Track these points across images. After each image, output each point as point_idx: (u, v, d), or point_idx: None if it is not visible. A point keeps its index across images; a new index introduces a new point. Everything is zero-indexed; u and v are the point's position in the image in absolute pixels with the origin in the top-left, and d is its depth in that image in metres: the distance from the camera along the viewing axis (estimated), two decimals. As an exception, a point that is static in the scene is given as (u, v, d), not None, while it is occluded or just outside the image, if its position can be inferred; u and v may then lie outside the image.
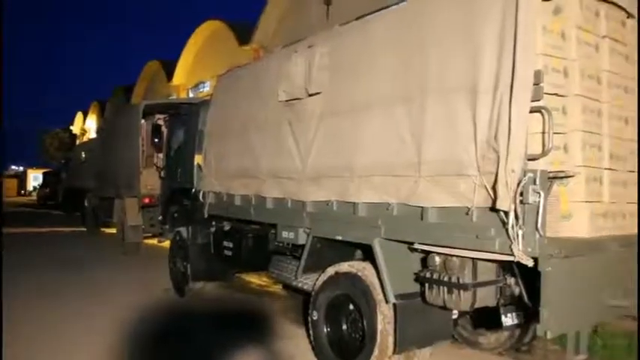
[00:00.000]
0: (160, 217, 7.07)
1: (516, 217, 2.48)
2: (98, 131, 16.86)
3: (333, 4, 10.00)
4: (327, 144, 3.65)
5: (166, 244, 6.45)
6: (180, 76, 20.70)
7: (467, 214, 2.73)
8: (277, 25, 12.84)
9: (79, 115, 37.08)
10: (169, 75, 21.22)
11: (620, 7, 3.21)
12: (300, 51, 3.93)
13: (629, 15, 3.29)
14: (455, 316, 3.30)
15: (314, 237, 3.73)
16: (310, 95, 3.81)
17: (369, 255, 3.33)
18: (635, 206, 3.34)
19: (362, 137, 3.32)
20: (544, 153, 2.56)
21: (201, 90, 18.50)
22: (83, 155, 14.11)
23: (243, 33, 14.94)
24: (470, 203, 2.71)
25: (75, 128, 37.35)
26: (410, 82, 3.07)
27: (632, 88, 3.33)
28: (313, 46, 3.83)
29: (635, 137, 3.27)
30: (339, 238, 3.52)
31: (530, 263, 2.50)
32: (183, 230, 5.70)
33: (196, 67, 19.75)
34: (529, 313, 3.03)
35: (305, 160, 3.81)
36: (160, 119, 7.89)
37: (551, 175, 2.67)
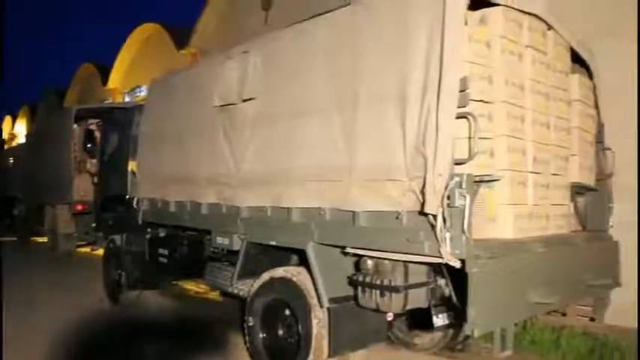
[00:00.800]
0: (94, 225, 6.82)
1: (444, 220, 2.54)
2: (27, 136, 16.13)
3: (272, 9, 9.98)
4: (261, 150, 3.63)
5: (100, 252, 6.24)
6: (115, 80, 20.07)
7: (397, 218, 2.78)
8: (216, 29, 12.68)
9: (8, 120, 35.37)
10: (104, 79, 20.54)
11: (541, 19, 3.36)
12: (235, 56, 3.90)
13: (550, 27, 3.46)
14: (390, 318, 3.34)
15: (248, 243, 3.70)
16: (244, 101, 3.77)
17: (303, 260, 3.33)
18: (559, 208, 3.51)
19: (296, 143, 3.32)
20: (470, 157, 2.63)
21: (137, 94, 18.00)
22: (11, 161, 13.46)
23: (181, 37, 14.65)
24: (400, 207, 2.76)
25: (3, 133, 35.56)
26: (343, 88, 3.10)
27: (553, 95, 3.51)
28: (248, 52, 3.80)
29: (554, 142, 3.45)
30: (274, 243, 3.50)
31: (457, 265, 2.56)
32: (117, 238, 5.53)
33: (133, 71, 19.21)
34: (458, 313, 3.11)
35: (239, 165, 3.77)
36: (93, 124, 7.63)
37: (477, 178, 2.75)
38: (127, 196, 5.37)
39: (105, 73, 20.59)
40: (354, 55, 3.05)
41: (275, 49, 3.61)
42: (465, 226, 2.52)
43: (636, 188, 3.41)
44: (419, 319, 3.60)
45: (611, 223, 4.11)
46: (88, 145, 7.08)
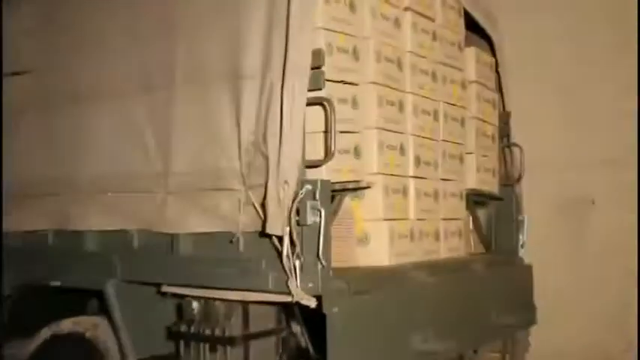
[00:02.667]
0: None
1: (292, 243, 2.63)
2: None
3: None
4: (39, 147, 3.55)
5: None
6: None
7: (231, 242, 2.85)
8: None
9: None
10: None
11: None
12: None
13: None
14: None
15: (15, 287, 3.58)
16: (16, 74, 3.67)
17: (104, 306, 3.31)
18: (451, 223, 3.81)
19: (85, 139, 3.29)
20: (327, 158, 2.75)
21: None
22: None
23: None
24: (235, 227, 2.84)
25: None
26: (151, 60, 3.14)
27: (442, 74, 3.78)
28: (20, 3, 3.72)
29: (443, 136, 3.74)
30: (58, 284, 3.43)
31: (311, 304, 2.65)
32: None
33: None
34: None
35: (17, 171, 3.66)
36: None
37: (337, 186, 2.91)
38: None
39: None
40: (166, 12, 3.11)
41: (56, 2, 3.55)
42: (321, 252, 2.62)
43: (453, 200, 3.82)
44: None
45: (522, 241, 4.54)
46: None
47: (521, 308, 4.23)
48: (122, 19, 3.28)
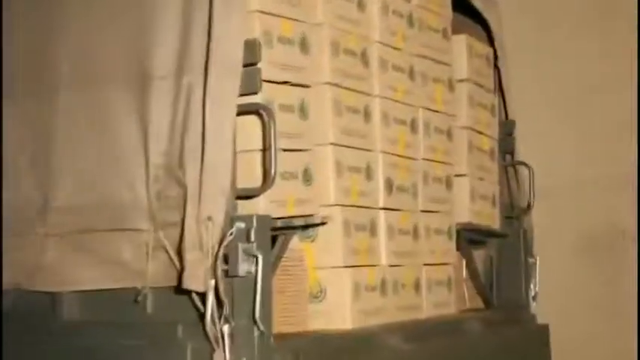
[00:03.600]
0: None
1: (219, 302, 2.61)
2: None
3: None
4: None
5: None
6: None
7: (136, 301, 2.82)
8: None
9: None
10: None
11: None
12: None
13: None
14: None
15: None
16: None
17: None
18: (437, 270, 3.83)
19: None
20: (266, 185, 2.74)
21: None
22: None
23: None
24: (140, 281, 2.81)
25: None
26: (31, 66, 3.18)
27: (421, 71, 3.81)
28: None
29: (424, 153, 3.80)
30: None
31: None
32: None
33: None
34: None
35: None
36: None
37: (280, 223, 2.90)
38: None
39: None
40: (51, 13, 3.14)
41: None
42: (258, 313, 2.60)
43: (441, 237, 3.87)
44: None
45: (533, 292, 4.57)
46: None
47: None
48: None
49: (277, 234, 3.01)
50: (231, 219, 2.67)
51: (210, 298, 2.61)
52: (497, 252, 4.61)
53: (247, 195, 2.80)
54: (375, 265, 3.45)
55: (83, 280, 2.95)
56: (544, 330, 4.46)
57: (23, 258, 3.08)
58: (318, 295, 3.26)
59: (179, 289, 2.72)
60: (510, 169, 4.64)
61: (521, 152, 4.69)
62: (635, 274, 5.63)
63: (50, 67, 3.13)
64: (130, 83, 2.91)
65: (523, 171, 4.61)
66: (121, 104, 2.92)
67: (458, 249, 4.14)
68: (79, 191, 3.00)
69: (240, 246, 2.64)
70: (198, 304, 2.68)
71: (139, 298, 2.83)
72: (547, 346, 4.43)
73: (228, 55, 2.70)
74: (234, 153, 2.73)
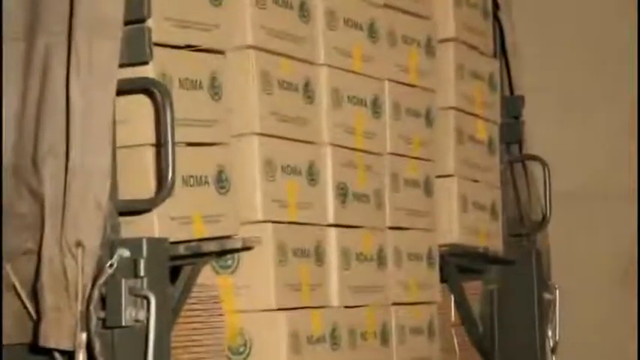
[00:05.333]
0: None
1: (93, 361, 2.61)
2: None
3: None
4: None
5: None
6: None
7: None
8: None
9: None
10: None
11: None
12: None
13: None
14: None
15: None
16: None
17: None
18: (413, 317, 3.85)
19: None
20: (161, 195, 2.74)
21: None
22: None
23: None
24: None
25: None
26: None
27: (389, 28, 3.84)
28: None
29: (392, 146, 3.79)
30: None
31: None
32: None
33: None
34: None
35: None
36: None
37: (183, 249, 2.90)
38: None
39: None
40: None
41: None
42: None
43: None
44: None
45: (552, 341, 4.61)
46: None
47: None
48: None
49: (180, 264, 3.03)
50: (111, 244, 2.67)
51: (81, 358, 2.60)
52: (500, 284, 4.62)
53: (135, 209, 2.81)
54: (322, 307, 3.46)
55: None
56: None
57: None
58: (241, 351, 3.26)
59: (36, 348, 2.71)
60: (518, 167, 4.65)
61: (534, 144, 4.71)
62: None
63: None
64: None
65: (536, 169, 4.62)
66: None
67: (443, 281, 4.15)
68: None
69: (125, 283, 2.63)
70: (62, 366, 2.67)
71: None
72: None
73: (103, 5, 2.69)
74: (114, 149, 2.72)
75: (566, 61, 6.05)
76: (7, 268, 2.78)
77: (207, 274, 3.22)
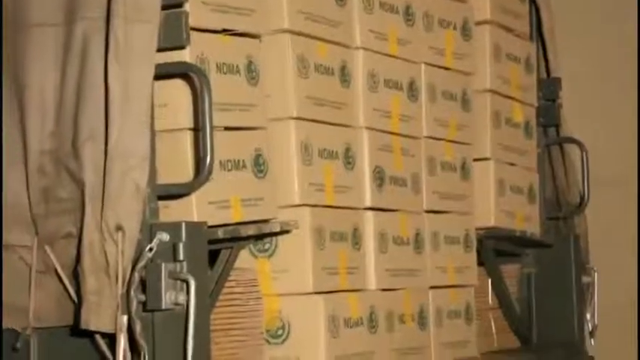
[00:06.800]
0: None
1: (134, 348, 2.62)
2: None
3: None
4: None
5: None
6: None
7: (15, 348, 2.85)
8: None
9: None
10: None
11: None
12: None
13: None
14: None
15: None
16: None
17: None
18: (448, 295, 3.86)
19: None
20: (200, 179, 2.76)
21: None
22: None
23: None
24: (20, 322, 2.85)
25: None
26: None
27: (423, 11, 3.85)
28: None
29: (428, 130, 3.81)
30: None
31: None
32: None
33: None
34: None
35: None
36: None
37: (222, 232, 2.92)
38: None
39: None
40: None
41: None
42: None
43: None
44: None
45: (591, 325, 4.62)
46: None
47: None
48: None
49: (218, 248, 3.05)
50: (150, 228, 2.69)
51: (122, 342, 2.62)
52: (537, 267, 4.65)
53: (174, 194, 2.83)
54: (360, 290, 3.48)
55: None
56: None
57: None
58: (278, 334, 3.28)
59: (76, 330, 2.73)
60: (555, 150, 4.66)
61: (572, 127, 4.71)
62: None
63: None
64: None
65: (574, 152, 4.63)
66: None
67: (480, 264, 4.17)
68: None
69: (165, 267, 2.65)
70: (105, 350, 2.71)
71: (19, 344, 2.85)
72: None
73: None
74: (154, 133, 2.75)
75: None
76: (48, 250, 2.82)
77: (245, 258, 3.24)
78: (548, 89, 4.58)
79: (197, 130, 2.82)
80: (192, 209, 2.84)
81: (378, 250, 3.54)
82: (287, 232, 3.22)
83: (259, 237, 3.19)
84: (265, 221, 3.14)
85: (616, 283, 4.72)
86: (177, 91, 2.86)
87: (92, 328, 2.66)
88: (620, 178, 5.31)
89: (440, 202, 3.85)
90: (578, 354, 4.50)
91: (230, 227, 2.99)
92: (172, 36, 2.78)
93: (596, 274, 4.59)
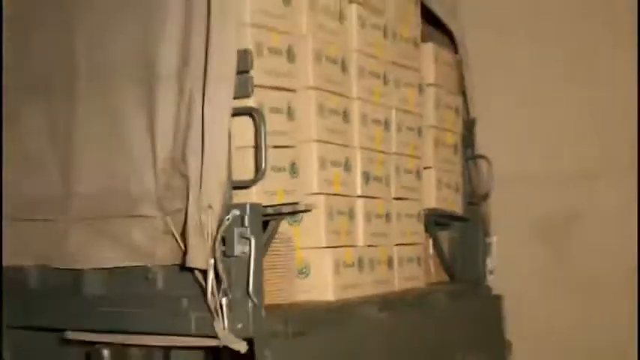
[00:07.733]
0: None
1: (218, 278, 2.64)
2: None
3: None
4: None
5: None
6: None
7: (147, 278, 2.86)
8: None
9: None
10: None
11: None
12: None
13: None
14: None
15: None
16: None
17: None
18: (408, 249, 3.88)
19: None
20: (257, 177, 2.78)
21: None
22: None
23: None
24: (150, 260, 2.85)
25: None
26: (52, 63, 3.17)
27: (394, 76, 3.86)
28: None
29: (397, 148, 3.85)
30: None
31: (242, 348, 2.64)
32: None
33: None
34: None
35: None
36: None
37: (270, 210, 2.93)
38: None
39: None
40: (63, 14, 3.14)
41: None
42: (252, 287, 2.64)
43: (411, 221, 3.92)
44: None
45: (490, 268, 4.64)
46: None
47: (492, 346, 4.32)
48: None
49: (268, 219, 3.05)
50: (227, 207, 2.70)
51: (211, 275, 2.65)
52: (459, 233, 4.70)
53: (242, 186, 2.83)
54: (353, 246, 3.50)
55: (103, 259, 2.97)
56: (498, 300, 4.53)
57: (49, 240, 3.11)
58: (303, 272, 3.30)
59: (184, 268, 2.76)
60: (471, 162, 4.68)
61: (483, 145, 4.73)
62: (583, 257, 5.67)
63: (68, 62, 3.13)
64: (139, 83, 2.93)
65: (482, 164, 4.69)
66: (131, 102, 2.94)
67: (426, 230, 4.19)
68: (96, 180, 3.02)
69: (236, 230, 2.68)
70: (201, 280, 2.71)
71: (150, 276, 2.88)
72: (500, 313, 4.50)
73: (224, 63, 2.72)
74: (230, 149, 2.75)
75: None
76: (168, 220, 2.85)
77: (284, 226, 3.26)
78: (469, 125, 4.62)
79: (257, 147, 2.83)
80: (253, 195, 2.85)
81: (365, 221, 3.56)
82: (309, 210, 3.24)
83: (293, 213, 3.20)
84: (296, 203, 3.14)
85: (509, 242, 4.73)
86: (246, 123, 2.87)
87: (192, 265, 2.70)
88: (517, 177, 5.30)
89: (403, 192, 3.87)
90: (481, 285, 4.54)
91: (275, 206, 3.02)
92: (243, 90, 2.80)
93: (494, 237, 4.61)
